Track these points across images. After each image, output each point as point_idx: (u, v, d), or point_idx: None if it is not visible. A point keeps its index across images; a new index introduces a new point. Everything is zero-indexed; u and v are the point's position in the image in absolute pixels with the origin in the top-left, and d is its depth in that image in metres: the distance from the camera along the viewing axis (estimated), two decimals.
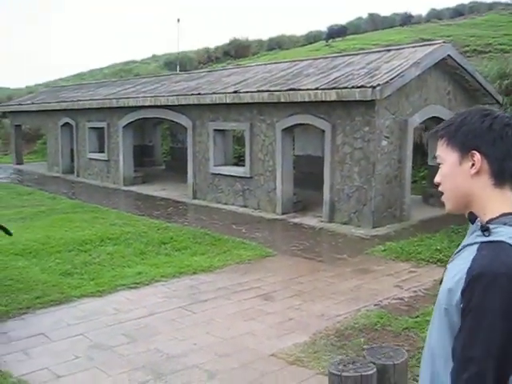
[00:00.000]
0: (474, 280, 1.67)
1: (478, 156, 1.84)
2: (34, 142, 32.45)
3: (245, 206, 14.63)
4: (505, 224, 1.77)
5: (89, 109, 20.77)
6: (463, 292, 1.70)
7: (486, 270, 1.66)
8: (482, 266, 1.68)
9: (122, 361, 5.91)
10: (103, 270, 9.09)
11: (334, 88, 12.14)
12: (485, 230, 1.77)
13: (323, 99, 12.30)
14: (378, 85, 11.38)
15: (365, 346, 5.99)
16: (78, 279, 8.62)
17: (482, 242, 1.76)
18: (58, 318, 7.15)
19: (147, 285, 8.40)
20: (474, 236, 1.84)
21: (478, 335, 1.65)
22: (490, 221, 1.81)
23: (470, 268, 1.70)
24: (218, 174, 15.45)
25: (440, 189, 1.99)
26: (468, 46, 26.10)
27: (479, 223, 1.84)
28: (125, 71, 40.28)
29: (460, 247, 1.89)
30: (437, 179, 1.99)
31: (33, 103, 25.71)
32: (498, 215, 1.81)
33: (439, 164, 1.99)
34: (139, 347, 6.24)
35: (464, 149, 1.87)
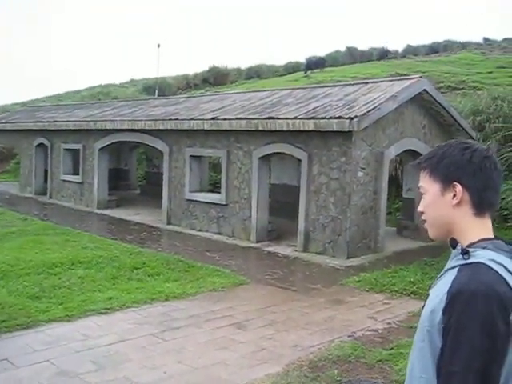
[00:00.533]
0: (454, 298, 1.76)
1: (459, 187, 1.94)
2: (8, 161, 32.00)
3: (219, 233, 14.54)
4: (484, 248, 1.86)
5: (65, 130, 20.59)
6: (444, 310, 1.78)
7: (464, 288, 1.75)
8: (460, 284, 1.77)
9: None
10: (73, 294, 8.88)
11: (312, 118, 12.23)
12: (465, 253, 1.86)
13: (301, 129, 12.37)
14: (356, 116, 11.50)
15: (338, 378, 5.92)
16: (47, 303, 8.38)
17: (461, 265, 1.84)
18: (23, 342, 6.93)
19: (118, 310, 8.21)
20: (454, 260, 1.92)
21: (459, 350, 1.71)
22: (470, 245, 1.90)
23: (450, 288, 1.79)
24: (194, 201, 15.35)
25: (423, 217, 2.07)
26: (443, 82, 26.65)
27: (460, 248, 1.92)
28: (103, 94, 40.18)
29: (442, 271, 1.97)
30: (420, 208, 2.08)
31: (7, 122, 25.42)
32: (477, 240, 1.91)
33: (422, 194, 2.08)
34: (108, 375, 6.06)
35: (446, 180, 1.97)
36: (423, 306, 1.96)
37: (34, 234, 13.75)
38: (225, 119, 14.24)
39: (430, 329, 1.83)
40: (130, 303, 8.49)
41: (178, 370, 6.23)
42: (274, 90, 17.33)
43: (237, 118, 13.95)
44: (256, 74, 45.07)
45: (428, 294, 1.99)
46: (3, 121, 26.27)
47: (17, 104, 42.02)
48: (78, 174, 20.21)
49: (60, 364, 6.33)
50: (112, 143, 18.84)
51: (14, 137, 24.74)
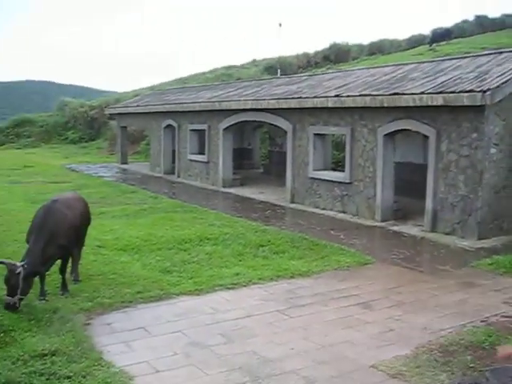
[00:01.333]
0: None
1: None
2: (138, 142, 33.74)
3: (343, 212, 14.39)
4: None
5: (191, 111, 21.30)
6: None
7: None
8: None
9: (219, 360, 5.92)
10: (201, 269, 9.22)
11: (440, 92, 11.68)
12: None
13: (429, 104, 11.86)
14: (489, 89, 10.82)
15: (471, 365, 5.66)
16: (177, 277, 8.78)
17: None
18: (157, 313, 7.31)
19: (245, 286, 8.42)
20: None
21: None
22: None
23: None
24: (317, 179, 15.30)
25: None
26: None
27: None
28: (226, 75, 41.01)
29: None
30: None
31: (138, 106, 26.73)
32: None
33: None
34: (236, 348, 6.23)
35: None
36: None
37: (164, 211, 14.41)
38: (348, 96, 13.99)
39: None
40: (256, 279, 8.66)
41: (304, 347, 6.27)
42: (399, 64, 16.73)
43: (361, 95, 13.65)
44: (378, 49, 43.81)
45: None
46: (135, 104, 27.67)
47: (144, 88, 44.02)
48: (203, 154, 20.87)
49: (191, 335, 6.60)
50: (236, 123, 19.21)
51: (145, 119, 26.00)
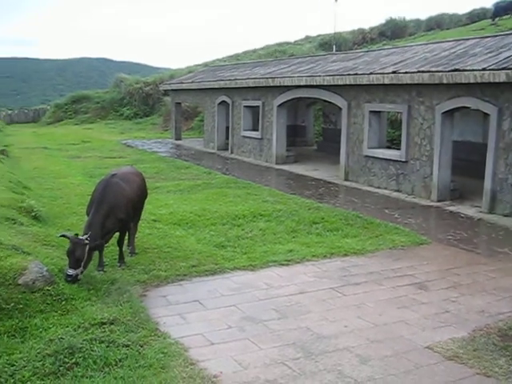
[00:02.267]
0: None
1: None
2: (192, 119, 34.00)
3: (398, 191, 14.16)
4: None
5: (245, 88, 21.27)
6: None
7: None
8: None
9: (273, 335, 5.97)
10: (255, 244, 9.27)
11: (503, 69, 11.24)
12: None
13: (490, 80, 11.45)
14: None
15: None
16: (232, 252, 8.86)
17: None
18: (212, 287, 7.41)
19: (298, 263, 8.42)
20: None
21: None
22: None
23: None
24: (372, 157, 15.08)
25: None
26: None
27: None
28: (279, 52, 40.66)
29: None
30: None
31: (192, 82, 26.87)
32: None
33: None
34: (290, 324, 6.26)
35: None
36: None
37: (217, 187, 14.52)
38: (406, 73, 13.65)
39: None
40: (309, 256, 8.66)
41: (358, 325, 6.25)
42: (460, 39, 16.17)
43: (419, 71, 13.30)
44: (436, 24, 42.47)
45: None
46: (189, 81, 27.81)
47: (198, 65, 44.16)
48: (257, 130, 20.85)
49: (245, 309, 6.67)
50: (290, 100, 19.08)
51: (199, 95, 26.12)
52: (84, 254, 6.79)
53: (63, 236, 7.11)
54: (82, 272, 6.83)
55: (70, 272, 6.69)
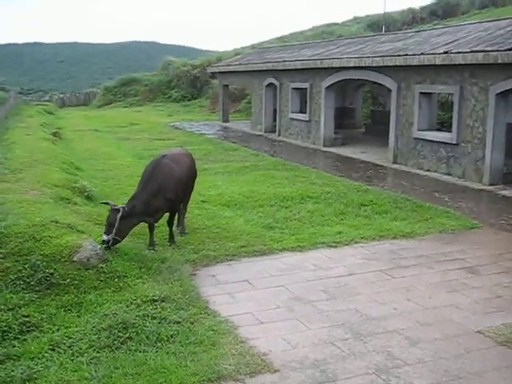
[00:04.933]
0: None
1: None
2: (239, 101, 34.04)
3: (448, 174, 13.89)
4: None
5: (293, 69, 21.14)
6: None
7: None
8: None
9: (321, 316, 5.99)
10: (303, 226, 9.28)
11: None
12: None
13: None
14: None
15: None
16: (280, 233, 8.90)
17: None
18: (261, 267, 7.47)
19: (346, 245, 8.40)
20: None
21: None
22: None
23: None
24: (422, 139, 14.81)
25: None
26: None
27: None
28: (327, 33, 40.18)
29: None
30: None
31: (240, 64, 26.87)
32: None
33: None
34: (339, 305, 6.27)
35: None
36: None
37: (265, 168, 14.55)
38: (458, 53, 13.29)
39: None
40: (358, 239, 8.62)
41: (407, 308, 6.21)
42: None
43: (472, 51, 12.93)
44: (491, 2, 41.03)
45: None
46: (236, 63, 27.83)
47: (245, 47, 44.08)
48: (305, 113, 20.73)
49: (294, 290, 6.71)
50: (338, 81, 18.88)
51: (246, 78, 26.12)
52: (115, 220, 7.01)
53: (105, 203, 7.59)
54: (114, 240, 6.99)
55: (103, 237, 6.98)
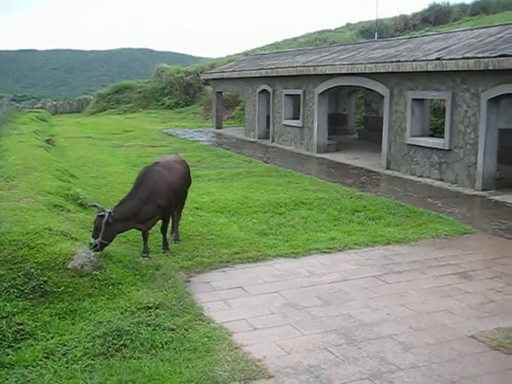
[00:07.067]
0: None
1: None
2: (233, 107, 34.12)
3: (441, 180, 13.97)
4: None
5: (286, 76, 21.22)
6: None
7: None
8: None
9: (315, 322, 6.01)
10: (297, 232, 9.31)
11: None
12: None
13: None
14: None
15: None
16: (273, 239, 8.93)
17: None
18: (255, 274, 7.50)
19: (340, 251, 8.43)
20: None
21: None
22: None
23: None
24: (415, 145, 14.89)
25: None
26: None
27: None
28: (320, 40, 40.35)
29: None
30: None
31: (233, 71, 26.94)
32: None
33: None
34: (332, 311, 6.30)
35: None
36: None
37: (258, 175, 14.59)
38: (450, 59, 13.39)
39: None
40: (351, 245, 8.65)
41: (400, 313, 6.24)
42: (507, 24, 15.75)
43: (464, 58, 13.03)
44: (483, 9, 41.31)
45: None
46: (230, 69, 27.89)
47: (239, 54, 44.18)
48: (298, 119, 20.80)
49: (288, 296, 6.73)
50: (331, 88, 18.96)
51: (239, 84, 26.19)
52: (101, 225, 7.05)
53: (93, 206, 7.69)
54: (101, 244, 7.02)
55: (91, 240, 7.05)
